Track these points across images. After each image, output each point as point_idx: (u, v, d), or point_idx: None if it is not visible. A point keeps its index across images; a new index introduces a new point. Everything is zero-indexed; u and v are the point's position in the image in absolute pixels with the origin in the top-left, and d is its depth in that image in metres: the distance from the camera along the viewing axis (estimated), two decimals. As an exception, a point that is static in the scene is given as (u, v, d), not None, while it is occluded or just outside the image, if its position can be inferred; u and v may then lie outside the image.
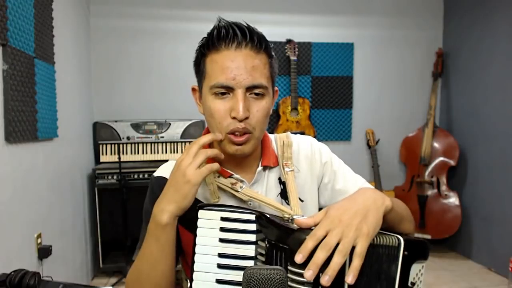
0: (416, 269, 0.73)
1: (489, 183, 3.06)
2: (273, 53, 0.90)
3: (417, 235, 3.15)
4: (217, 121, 0.86)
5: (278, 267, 0.60)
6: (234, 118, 0.84)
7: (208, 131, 0.97)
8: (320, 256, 0.64)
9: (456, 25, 3.48)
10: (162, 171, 0.98)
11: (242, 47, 0.84)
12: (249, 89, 0.85)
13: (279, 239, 0.70)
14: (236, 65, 0.83)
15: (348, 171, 1.04)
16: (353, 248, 0.66)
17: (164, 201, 0.80)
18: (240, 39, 0.84)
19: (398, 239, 0.71)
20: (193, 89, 0.96)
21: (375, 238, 0.69)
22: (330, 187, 1.01)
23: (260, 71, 0.85)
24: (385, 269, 0.70)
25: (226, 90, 0.85)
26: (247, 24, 0.87)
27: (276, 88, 0.95)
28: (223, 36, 0.84)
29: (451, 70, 3.53)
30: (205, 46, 0.88)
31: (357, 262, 0.65)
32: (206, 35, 0.89)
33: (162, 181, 0.94)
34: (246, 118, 0.84)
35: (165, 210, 0.79)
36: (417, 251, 0.74)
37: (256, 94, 0.86)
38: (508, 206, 2.86)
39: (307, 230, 0.68)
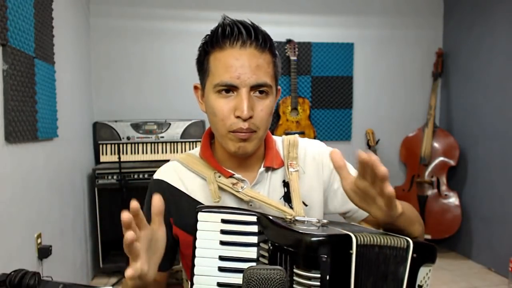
0: (423, 272, 0.73)
1: (489, 183, 3.06)
2: (277, 52, 0.89)
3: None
4: (219, 119, 0.85)
5: (278, 267, 0.60)
6: (238, 117, 0.83)
7: (210, 131, 0.96)
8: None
9: (456, 25, 3.48)
10: (161, 174, 0.96)
11: (247, 46, 0.83)
12: (253, 88, 0.83)
13: (284, 241, 0.69)
14: (240, 63, 0.82)
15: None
16: None
17: None
18: (245, 37, 0.83)
19: (407, 241, 0.71)
20: (195, 87, 0.95)
21: (383, 239, 0.69)
22: (341, 192, 0.97)
23: (264, 70, 0.84)
24: (393, 270, 0.70)
25: (230, 89, 0.83)
26: (252, 23, 0.86)
27: (279, 87, 0.94)
28: (228, 34, 0.83)
29: (451, 70, 3.53)
30: (209, 43, 0.86)
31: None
32: (209, 33, 0.87)
33: (161, 184, 0.93)
34: (250, 117, 0.83)
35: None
36: (426, 254, 0.74)
37: (260, 92, 0.84)
38: (508, 206, 2.86)
39: (312, 232, 0.67)
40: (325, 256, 0.64)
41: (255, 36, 0.83)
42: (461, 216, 3.18)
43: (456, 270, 3.05)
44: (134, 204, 0.64)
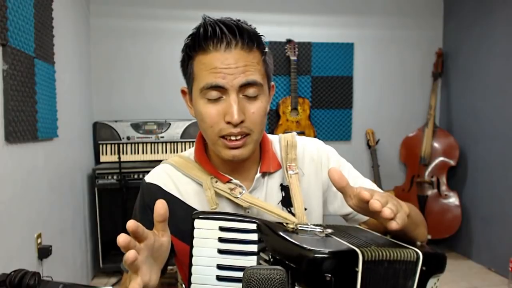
0: (431, 283, 0.70)
1: (489, 183, 3.06)
2: (266, 49, 0.83)
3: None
4: (208, 125, 0.80)
5: (278, 267, 0.60)
6: (228, 122, 0.78)
7: (201, 136, 0.92)
8: (391, 207, 0.63)
9: (456, 25, 3.48)
10: (153, 177, 0.92)
11: (231, 47, 0.77)
12: (243, 88, 0.78)
13: (285, 255, 0.66)
14: (226, 66, 0.76)
15: (358, 177, 0.96)
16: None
17: None
18: (229, 38, 0.76)
19: (417, 254, 0.68)
20: (183, 91, 0.89)
21: (392, 253, 0.66)
22: (340, 194, 0.93)
23: (254, 68, 0.78)
24: (402, 284, 0.67)
25: (218, 92, 0.78)
26: (236, 21, 0.79)
27: (272, 84, 0.88)
28: (211, 35, 0.76)
29: (451, 70, 3.53)
30: (191, 47, 0.80)
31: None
32: (191, 33, 0.81)
33: (153, 188, 0.90)
34: (242, 122, 0.78)
35: None
36: (435, 265, 0.70)
37: (251, 93, 0.79)
38: (508, 206, 2.86)
39: (315, 248, 0.64)
40: (329, 275, 0.61)
41: (240, 36, 0.77)
42: (461, 216, 3.18)
43: (456, 270, 3.05)
44: (131, 224, 0.58)
